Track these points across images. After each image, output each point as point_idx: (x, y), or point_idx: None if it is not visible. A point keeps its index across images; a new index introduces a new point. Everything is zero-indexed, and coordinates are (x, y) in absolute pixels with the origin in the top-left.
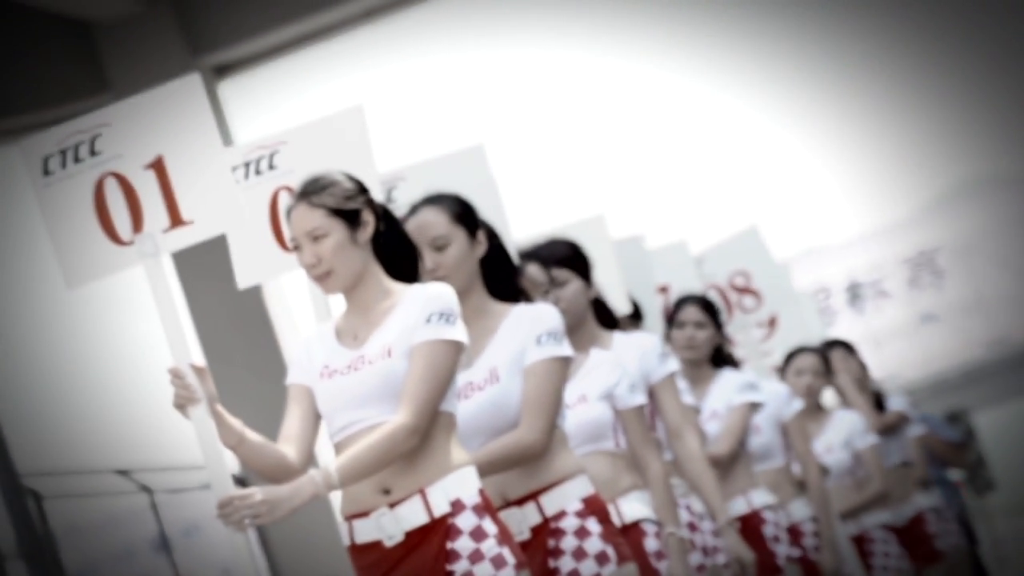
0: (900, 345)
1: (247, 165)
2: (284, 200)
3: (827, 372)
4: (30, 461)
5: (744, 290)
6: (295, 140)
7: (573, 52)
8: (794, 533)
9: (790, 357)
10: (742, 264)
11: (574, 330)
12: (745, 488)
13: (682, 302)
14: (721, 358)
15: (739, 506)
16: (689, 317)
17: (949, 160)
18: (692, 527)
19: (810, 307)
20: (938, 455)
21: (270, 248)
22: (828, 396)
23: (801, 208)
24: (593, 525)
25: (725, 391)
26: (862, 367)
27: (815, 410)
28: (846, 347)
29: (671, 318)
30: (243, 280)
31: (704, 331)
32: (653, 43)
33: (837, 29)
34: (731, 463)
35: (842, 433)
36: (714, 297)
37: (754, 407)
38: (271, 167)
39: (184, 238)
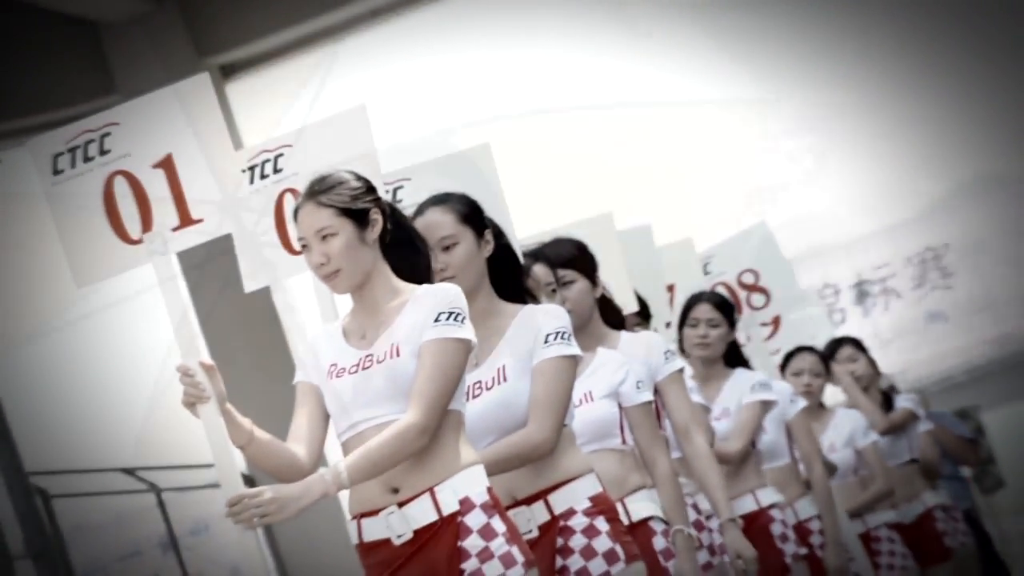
0: (907, 343)
1: (252, 169)
2: (290, 203)
3: (826, 371)
4: (38, 459)
5: (753, 287)
6: (299, 143)
7: (576, 51)
8: (801, 531)
9: (788, 357)
10: (751, 261)
11: (580, 330)
12: (754, 487)
13: (695, 300)
14: (735, 357)
15: (747, 504)
16: (702, 315)
17: (957, 158)
18: (699, 526)
19: (817, 305)
20: (951, 451)
21: (276, 251)
22: (838, 394)
23: (808, 205)
24: (602, 523)
25: (737, 390)
26: (871, 364)
27: (817, 409)
28: (855, 344)
29: (683, 316)
30: (250, 284)
31: (718, 329)
32: (655, 43)
33: (841, 23)
34: (741, 461)
35: (844, 432)
36: (723, 294)
37: (766, 406)
38: (276, 170)
39: (193, 236)
